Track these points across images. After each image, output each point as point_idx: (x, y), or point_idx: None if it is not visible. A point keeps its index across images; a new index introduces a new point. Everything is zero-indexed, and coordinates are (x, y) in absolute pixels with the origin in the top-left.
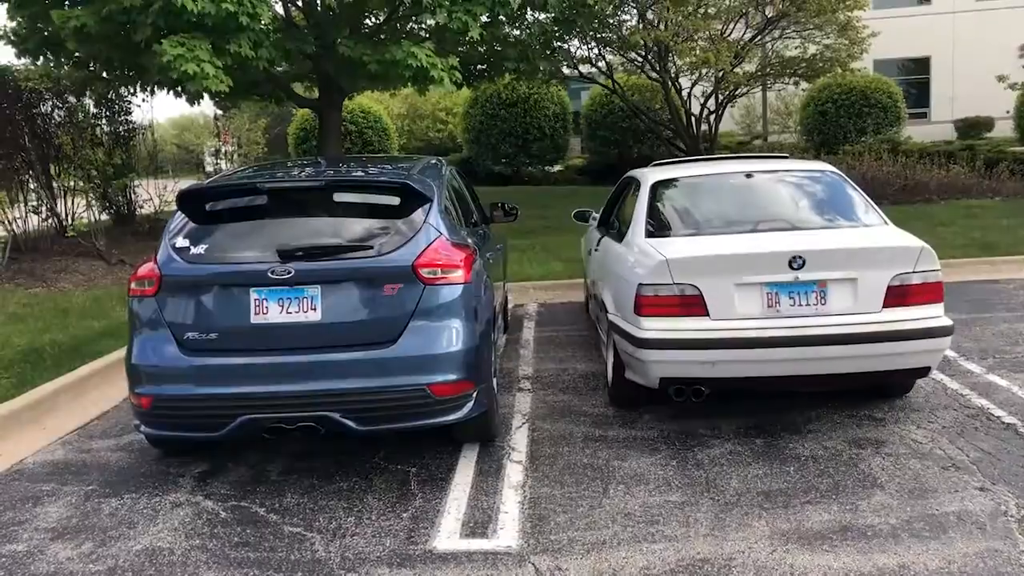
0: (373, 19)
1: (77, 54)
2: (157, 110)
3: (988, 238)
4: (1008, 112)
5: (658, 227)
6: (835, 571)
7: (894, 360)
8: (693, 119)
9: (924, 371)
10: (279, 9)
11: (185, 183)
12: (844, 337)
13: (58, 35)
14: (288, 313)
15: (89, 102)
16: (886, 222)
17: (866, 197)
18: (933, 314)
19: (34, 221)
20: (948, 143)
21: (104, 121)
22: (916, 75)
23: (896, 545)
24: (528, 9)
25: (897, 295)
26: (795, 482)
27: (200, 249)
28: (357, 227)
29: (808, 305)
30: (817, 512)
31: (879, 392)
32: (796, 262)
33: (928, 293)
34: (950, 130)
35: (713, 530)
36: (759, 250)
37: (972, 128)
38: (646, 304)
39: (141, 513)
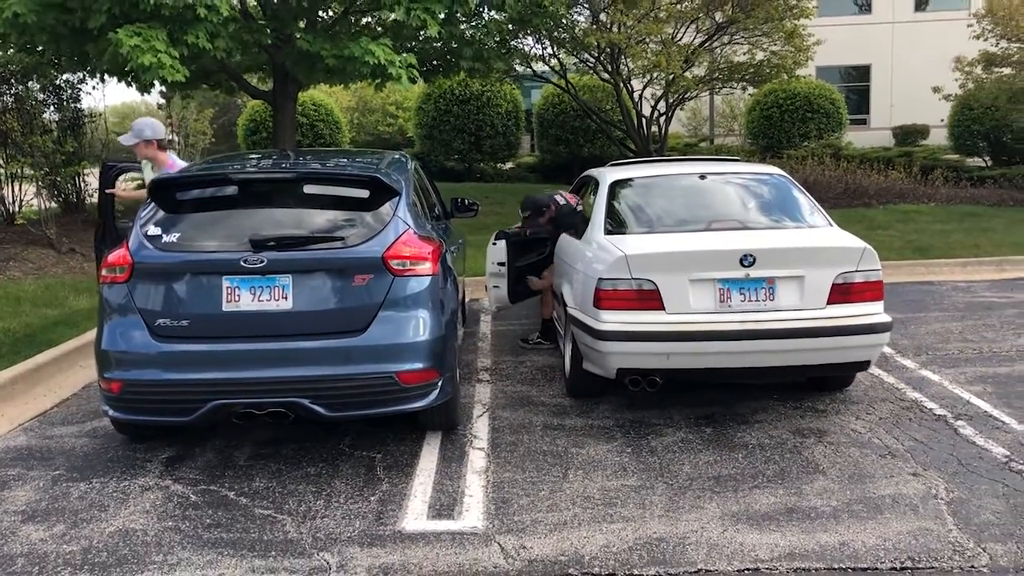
0: (330, 12)
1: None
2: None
3: (923, 241)
4: (942, 120)
5: (616, 225)
6: (781, 548)
7: (837, 354)
8: (644, 121)
9: (864, 364)
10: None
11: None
12: (791, 331)
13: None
14: (260, 301)
15: (36, 87)
16: (831, 224)
17: (812, 200)
18: (874, 311)
19: None
20: (887, 149)
21: (52, 108)
22: (857, 82)
23: (837, 525)
24: (485, 8)
25: (841, 292)
26: (743, 468)
27: (172, 237)
28: (328, 218)
29: (758, 301)
30: (764, 495)
31: (821, 386)
32: (747, 260)
33: (869, 291)
34: (888, 136)
35: (668, 511)
36: (712, 248)
37: (909, 135)
38: (605, 298)
39: (111, 496)
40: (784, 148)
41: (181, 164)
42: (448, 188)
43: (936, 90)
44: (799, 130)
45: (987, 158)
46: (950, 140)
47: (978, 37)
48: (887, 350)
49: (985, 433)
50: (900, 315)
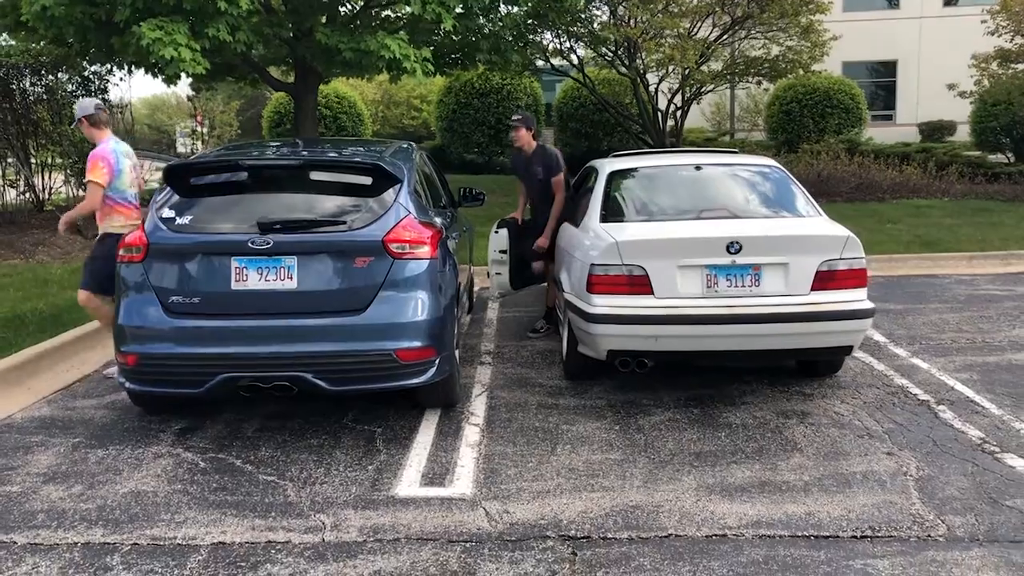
0: (350, 7)
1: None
2: (131, 90)
3: (931, 235)
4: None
5: (612, 213)
6: (749, 517)
7: (820, 338)
8: (660, 114)
9: (847, 349)
10: None
11: (161, 164)
12: (775, 316)
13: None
14: (266, 281)
15: (66, 79)
16: (820, 214)
17: (804, 191)
18: (857, 297)
19: (12, 195)
20: (906, 145)
21: (81, 98)
22: (883, 78)
23: (806, 497)
24: (501, 2)
25: (824, 279)
26: (724, 445)
27: (185, 220)
28: (332, 203)
29: (744, 286)
30: (740, 470)
31: (810, 372)
32: (733, 247)
33: (852, 278)
34: (915, 132)
35: (646, 483)
36: (700, 235)
37: (935, 131)
38: (597, 283)
39: (126, 462)
40: (803, 143)
41: (109, 146)
42: (467, 180)
43: (951, 87)
44: (818, 125)
45: (1010, 154)
46: (972, 136)
47: (992, 33)
48: (880, 338)
49: (964, 417)
50: (899, 306)
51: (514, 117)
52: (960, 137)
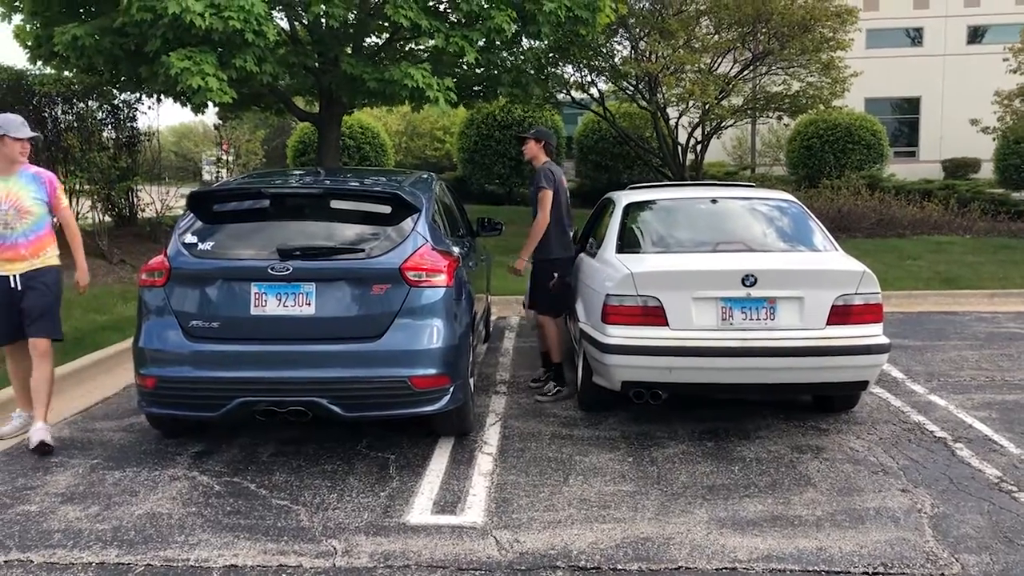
0: (375, 38)
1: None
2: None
3: (952, 272)
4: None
5: (628, 244)
6: (760, 551)
7: (835, 373)
8: (680, 148)
9: (863, 384)
10: (284, 24)
11: (186, 190)
12: (790, 350)
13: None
14: (285, 307)
15: (96, 107)
16: (836, 248)
17: (821, 226)
18: (872, 332)
19: None
20: (928, 182)
21: (110, 126)
22: (906, 114)
23: (818, 532)
24: (523, 36)
25: (840, 314)
26: (737, 479)
27: (207, 245)
28: (351, 231)
29: (758, 319)
30: (753, 504)
31: (826, 407)
32: (748, 280)
33: (868, 313)
34: (938, 169)
35: (658, 515)
36: (715, 267)
37: (959, 168)
38: (612, 313)
39: (142, 484)
40: (824, 178)
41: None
42: (487, 210)
43: (974, 123)
44: (839, 161)
45: None
46: (995, 173)
47: (1015, 71)
48: (897, 375)
49: (981, 455)
50: (918, 342)
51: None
52: (984, 174)
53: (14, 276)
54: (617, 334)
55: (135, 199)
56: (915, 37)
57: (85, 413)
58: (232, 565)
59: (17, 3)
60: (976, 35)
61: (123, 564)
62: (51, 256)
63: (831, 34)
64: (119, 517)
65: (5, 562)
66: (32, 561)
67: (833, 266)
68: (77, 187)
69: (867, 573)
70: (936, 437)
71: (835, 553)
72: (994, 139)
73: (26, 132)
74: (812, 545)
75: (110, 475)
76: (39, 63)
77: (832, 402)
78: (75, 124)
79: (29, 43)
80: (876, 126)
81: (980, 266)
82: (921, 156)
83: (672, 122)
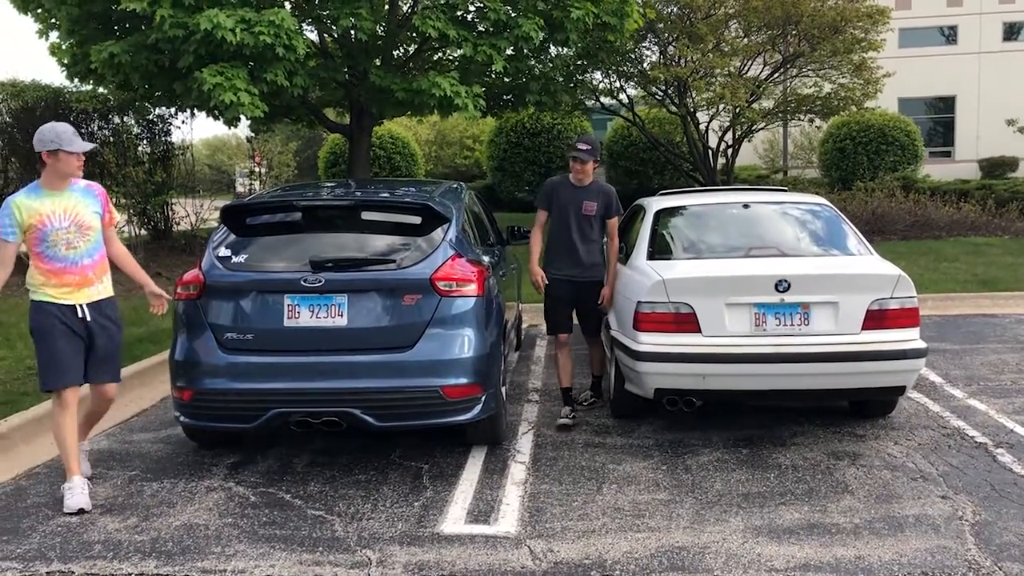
0: (403, 49)
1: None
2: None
3: (990, 274)
4: None
5: (659, 250)
6: (797, 560)
7: (871, 378)
8: (710, 152)
9: (900, 390)
10: (314, 38)
11: (220, 203)
12: (825, 355)
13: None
14: (318, 318)
15: (131, 122)
16: (871, 252)
17: (855, 230)
18: (909, 337)
19: None
20: (964, 182)
21: (145, 141)
22: (941, 114)
23: (856, 540)
24: (551, 44)
25: (875, 318)
26: (773, 487)
27: (240, 258)
28: (382, 243)
29: (792, 325)
30: (789, 512)
31: (863, 412)
32: (782, 285)
33: (904, 318)
34: (975, 169)
35: (693, 524)
36: (748, 273)
37: (996, 167)
38: (644, 320)
39: (179, 495)
40: (857, 180)
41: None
42: (517, 218)
43: (1011, 122)
44: (872, 162)
45: None
46: None
47: None
48: (936, 379)
49: None
50: (956, 346)
51: (581, 146)
52: (1023, 173)
53: (81, 306)
54: (649, 341)
55: (170, 212)
56: (949, 35)
57: (123, 425)
58: None
59: (54, 20)
60: (1012, 32)
61: (162, 575)
62: (109, 281)
63: (863, 35)
64: (157, 528)
65: (47, 573)
66: (73, 572)
67: (867, 270)
68: (114, 202)
69: None
70: (977, 442)
71: (874, 562)
72: None
73: (82, 145)
74: (850, 554)
75: (148, 486)
76: (76, 80)
77: (869, 407)
78: (111, 139)
79: (66, 61)
80: (910, 126)
81: (1019, 267)
82: (957, 156)
83: (702, 126)
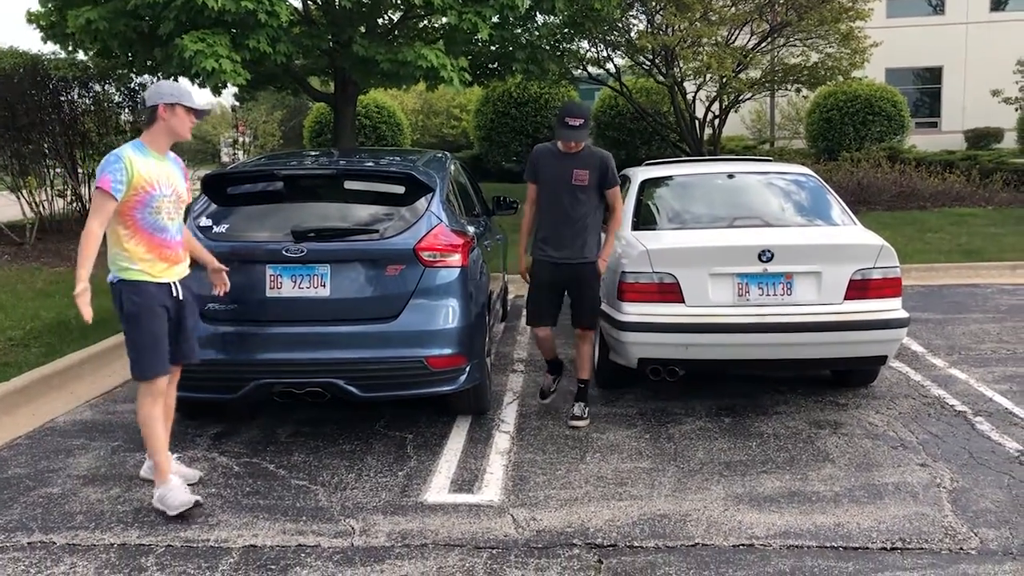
0: (387, 18)
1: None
2: None
3: (973, 244)
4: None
5: (643, 221)
6: (777, 527)
7: (853, 348)
8: (697, 123)
9: (882, 359)
10: (297, 4)
11: (204, 172)
12: (807, 325)
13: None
14: (300, 288)
15: (113, 90)
16: (854, 222)
17: (839, 200)
18: (891, 307)
19: (59, 204)
20: (950, 153)
21: (127, 110)
22: (928, 84)
23: (835, 508)
24: (537, 12)
25: (858, 288)
26: (755, 455)
27: (221, 228)
28: (365, 212)
29: (775, 295)
30: (770, 480)
31: (845, 381)
32: (765, 255)
33: (887, 287)
34: (960, 140)
35: (675, 492)
36: (731, 243)
37: (981, 138)
38: (628, 290)
39: None
40: (844, 151)
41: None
42: (504, 188)
43: (996, 93)
44: (859, 133)
45: None
46: (1019, 143)
47: None
48: (918, 348)
49: (1002, 429)
50: (938, 316)
51: (571, 122)
52: (1008, 144)
53: (175, 284)
54: (633, 311)
55: None
56: (937, 5)
57: (107, 395)
58: (251, 545)
59: None
60: (999, 2)
61: (144, 545)
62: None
63: (850, 4)
64: (140, 499)
65: (28, 544)
66: (55, 543)
67: (851, 240)
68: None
69: (885, 548)
70: (956, 411)
71: (853, 529)
72: (1017, 109)
73: (199, 102)
74: (830, 521)
75: (131, 457)
76: (54, 44)
77: (851, 377)
78: (92, 108)
79: (43, 23)
80: (896, 97)
81: (1002, 237)
82: (943, 127)
83: (689, 96)
